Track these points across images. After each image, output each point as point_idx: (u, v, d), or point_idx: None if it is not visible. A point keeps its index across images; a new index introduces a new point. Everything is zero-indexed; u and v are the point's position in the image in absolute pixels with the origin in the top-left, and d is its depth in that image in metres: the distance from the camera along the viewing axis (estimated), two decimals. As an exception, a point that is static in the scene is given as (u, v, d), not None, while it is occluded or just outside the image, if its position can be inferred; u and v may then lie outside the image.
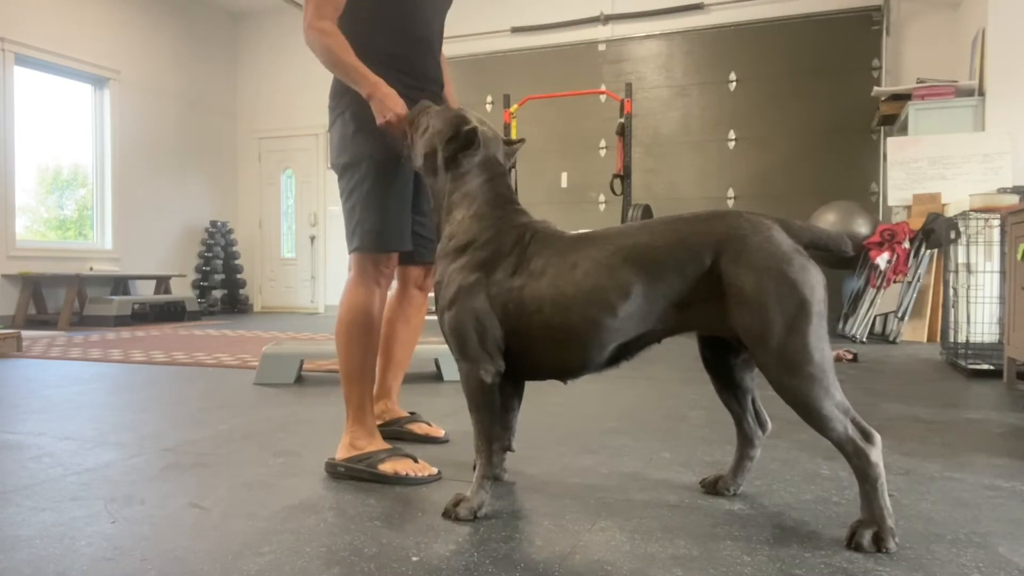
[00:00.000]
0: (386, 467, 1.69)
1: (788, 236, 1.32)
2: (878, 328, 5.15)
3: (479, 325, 1.42)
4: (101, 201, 7.53)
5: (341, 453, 1.75)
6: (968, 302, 3.73)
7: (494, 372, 1.43)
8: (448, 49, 7.98)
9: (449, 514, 1.42)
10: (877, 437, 1.32)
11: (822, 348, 1.30)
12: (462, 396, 2.78)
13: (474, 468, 1.52)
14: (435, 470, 1.71)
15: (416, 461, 1.72)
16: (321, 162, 8.68)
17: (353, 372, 1.80)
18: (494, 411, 1.45)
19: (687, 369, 3.58)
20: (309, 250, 8.80)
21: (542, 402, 2.68)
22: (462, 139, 1.54)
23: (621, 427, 2.25)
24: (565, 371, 1.46)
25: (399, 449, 1.77)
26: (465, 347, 1.44)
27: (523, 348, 1.43)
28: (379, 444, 1.77)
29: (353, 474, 1.71)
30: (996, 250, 4.11)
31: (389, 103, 1.69)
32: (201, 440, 2.10)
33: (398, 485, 1.65)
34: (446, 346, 3.15)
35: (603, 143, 7.33)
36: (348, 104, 1.82)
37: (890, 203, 5.50)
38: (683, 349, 4.50)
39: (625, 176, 6.21)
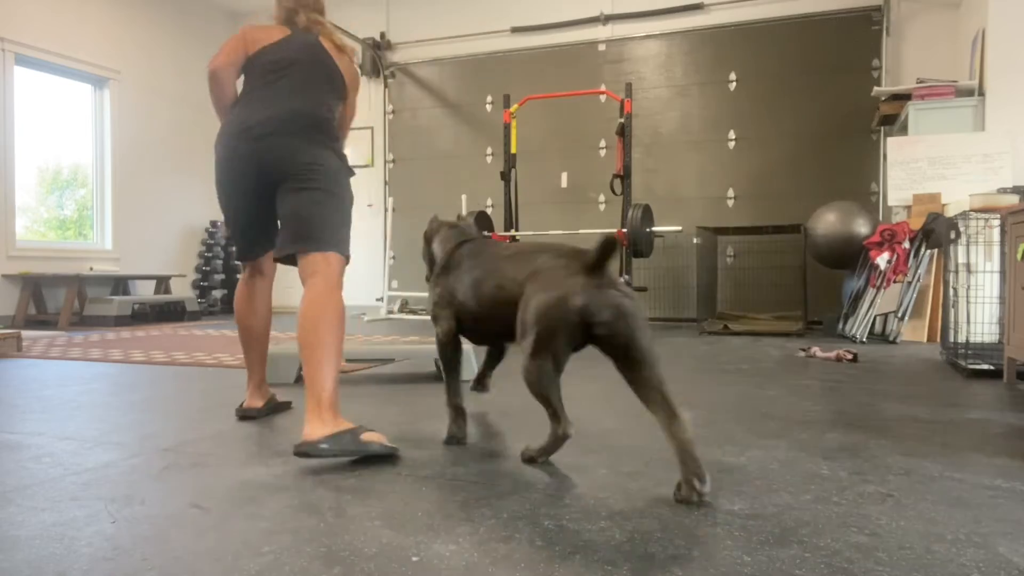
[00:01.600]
0: (368, 437, 1.82)
1: (575, 277, 1.69)
2: (878, 328, 5.15)
3: (440, 304, 2.11)
4: (101, 201, 7.53)
5: (316, 433, 1.78)
6: (968, 302, 3.73)
7: (445, 331, 2.08)
8: (448, 49, 7.95)
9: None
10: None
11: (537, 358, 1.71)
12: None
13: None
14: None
15: (378, 434, 1.89)
16: (321, 162, 8.67)
17: (337, 363, 1.94)
18: (450, 360, 2.12)
19: (687, 370, 3.58)
20: (309, 250, 8.79)
21: (542, 402, 2.68)
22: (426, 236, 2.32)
23: (621, 427, 2.25)
24: (486, 339, 2.16)
25: (363, 426, 1.87)
26: (435, 319, 2.13)
27: (465, 322, 2.06)
28: (346, 422, 1.86)
29: (343, 451, 1.77)
30: (996, 250, 4.11)
31: None
32: (201, 440, 2.10)
33: (377, 453, 1.83)
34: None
35: (603, 143, 7.33)
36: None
37: (890, 203, 5.50)
38: (683, 349, 4.50)
39: (625, 176, 6.21)
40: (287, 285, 8.96)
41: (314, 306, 1.98)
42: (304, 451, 1.76)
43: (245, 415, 2.41)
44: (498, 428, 2.26)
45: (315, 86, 2.31)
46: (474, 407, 2.59)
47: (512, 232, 6.38)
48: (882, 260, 4.88)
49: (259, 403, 2.43)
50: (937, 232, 4.74)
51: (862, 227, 5.33)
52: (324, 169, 2.16)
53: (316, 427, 1.79)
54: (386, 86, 8.25)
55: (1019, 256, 2.97)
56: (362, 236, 8.48)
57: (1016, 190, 4.51)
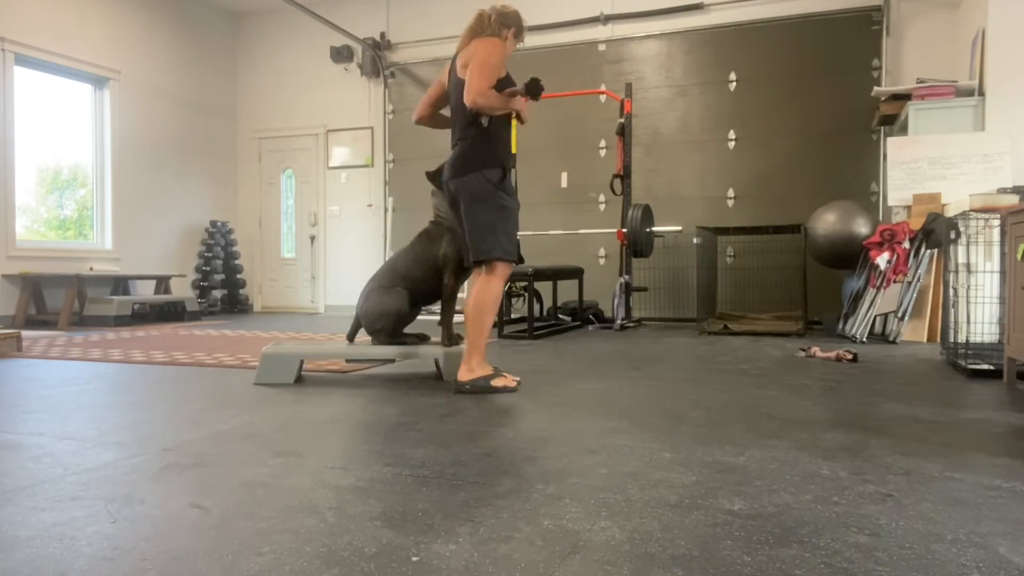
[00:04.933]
0: (496, 382, 2.88)
1: None
2: (878, 328, 5.15)
3: None
4: (101, 201, 7.53)
5: (465, 377, 2.88)
6: (968, 302, 3.73)
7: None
8: (448, 49, 7.97)
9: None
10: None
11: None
12: (461, 397, 2.78)
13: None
14: (517, 379, 2.96)
15: (507, 377, 2.93)
16: (321, 162, 8.68)
17: (482, 336, 2.94)
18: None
19: (687, 369, 3.58)
20: (309, 250, 8.80)
21: (543, 402, 2.68)
22: None
23: (621, 427, 2.25)
24: None
25: (499, 371, 2.94)
26: None
27: None
28: (488, 369, 2.93)
29: (477, 389, 2.86)
30: (996, 250, 4.11)
31: (522, 103, 2.95)
32: (201, 440, 2.10)
33: (503, 393, 2.86)
34: (445, 346, 3.19)
35: (603, 143, 7.33)
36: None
37: (890, 203, 5.50)
38: (684, 349, 4.50)
39: (625, 176, 6.21)
40: (287, 286, 8.96)
41: (472, 298, 2.94)
42: (457, 389, 2.89)
43: (473, 387, 2.92)
44: (499, 428, 2.26)
45: (455, 115, 3.05)
46: (475, 408, 2.59)
47: (512, 232, 6.38)
48: (882, 260, 4.88)
49: (488, 369, 2.97)
50: (937, 232, 4.74)
51: (862, 227, 5.33)
52: (465, 196, 2.94)
53: (464, 373, 2.89)
54: (386, 86, 8.26)
55: (1019, 256, 2.97)
56: (362, 236, 8.49)
57: (1016, 190, 4.51)
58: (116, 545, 1.28)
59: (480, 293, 2.92)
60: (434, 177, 3.24)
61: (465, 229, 2.97)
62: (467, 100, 2.80)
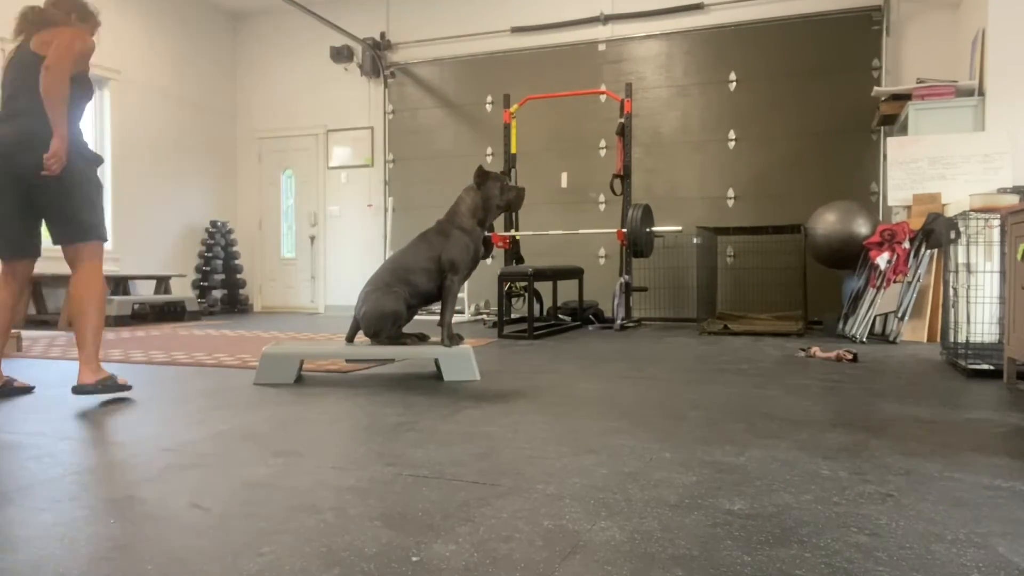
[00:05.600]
0: (123, 380, 2.79)
1: None
2: (878, 328, 5.15)
3: None
4: (101, 201, 7.52)
5: (92, 379, 2.68)
6: (968, 302, 3.73)
7: None
8: (448, 49, 7.99)
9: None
10: None
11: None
12: (462, 397, 2.78)
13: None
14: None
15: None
16: (321, 162, 8.68)
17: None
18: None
19: (687, 369, 3.58)
20: (309, 250, 8.80)
21: (543, 402, 2.68)
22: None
23: (621, 427, 2.25)
24: None
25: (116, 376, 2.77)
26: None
27: None
28: (106, 372, 2.78)
29: (104, 388, 2.70)
30: (996, 250, 4.11)
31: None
32: (201, 440, 2.10)
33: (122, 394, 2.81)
34: (446, 347, 3.18)
35: (603, 143, 7.33)
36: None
37: (890, 203, 5.50)
38: (684, 349, 4.50)
39: (625, 176, 6.21)
40: (287, 286, 8.96)
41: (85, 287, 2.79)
42: (83, 391, 2.67)
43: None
44: (499, 428, 2.26)
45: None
46: (476, 407, 2.59)
47: (512, 232, 6.38)
48: (882, 260, 4.88)
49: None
50: (937, 232, 4.74)
51: (862, 227, 5.33)
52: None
53: (88, 375, 2.69)
54: (386, 86, 8.26)
55: (1019, 256, 2.97)
56: (362, 236, 8.49)
57: (1016, 190, 4.51)
58: (116, 545, 1.28)
59: (96, 288, 2.80)
60: (482, 176, 3.37)
61: (71, 206, 2.76)
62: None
